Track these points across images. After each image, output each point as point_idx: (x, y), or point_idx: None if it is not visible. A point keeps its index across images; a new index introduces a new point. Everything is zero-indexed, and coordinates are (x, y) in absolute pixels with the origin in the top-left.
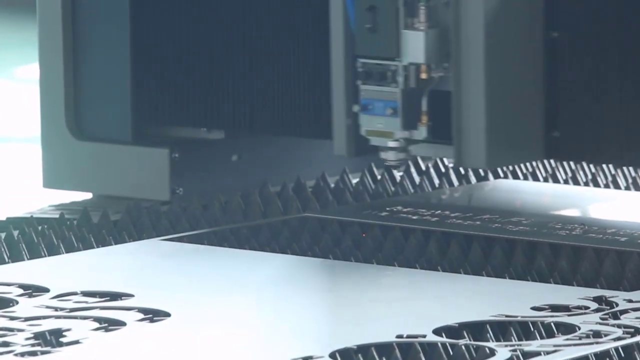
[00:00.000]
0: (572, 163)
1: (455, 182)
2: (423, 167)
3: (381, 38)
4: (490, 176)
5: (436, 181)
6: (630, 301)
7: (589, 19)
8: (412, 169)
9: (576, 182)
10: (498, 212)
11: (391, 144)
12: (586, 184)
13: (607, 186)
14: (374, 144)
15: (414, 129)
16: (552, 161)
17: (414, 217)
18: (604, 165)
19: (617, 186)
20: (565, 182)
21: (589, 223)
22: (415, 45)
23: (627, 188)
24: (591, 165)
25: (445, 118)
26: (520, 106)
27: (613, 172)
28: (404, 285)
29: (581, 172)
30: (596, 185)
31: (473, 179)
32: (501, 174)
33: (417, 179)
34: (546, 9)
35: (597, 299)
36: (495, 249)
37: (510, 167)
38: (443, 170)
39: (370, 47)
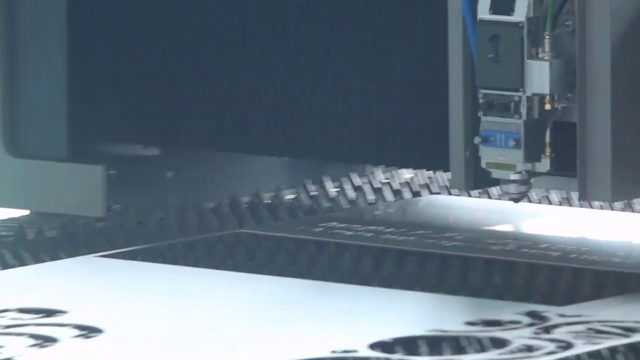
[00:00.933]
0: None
1: (390, 198)
2: (358, 183)
3: (504, 68)
4: (425, 192)
5: (370, 197)
6: (562, 316)
7: None
8: (347, 185)
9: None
10: (432, 227)
11: (513, 176)
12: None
13: (539, 202)
14: (495, 176)
15: (537, 161)
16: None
17: (349, 233)
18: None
19: (549, 201)
20: (499, 197)
21: (522, 238)
22: (540, 76)
23: (560, 203)
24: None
25: (568, 150)
26: None
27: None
28: (338, 300)
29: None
30: (529, 200)
31: (407, 195)
32: (434, 190)
33: (351, 194)
34: None
35: (529, 314)
36: (429, 265)
37: (444, 183)
38: (377, 186)
39: (492, 77)
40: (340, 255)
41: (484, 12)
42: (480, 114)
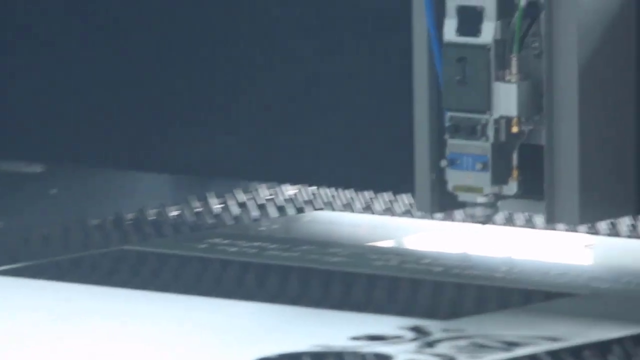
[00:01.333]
0: (388, 193)
1: (274, 214)
2: (241, 200)
3: (471, 90)
4: (309, 208)
5: (255, 213)
6: (445, 330)
7: None
8: (231, 202)
9: (393, 213)
10: (316, 243)
11: (480, 199)
12: (402, 215)
13: (422, 217)
14: (462, 199)
15: (504, 184)
16: (368, 193)
17: (233, 249)
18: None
19: (431, 217)
20: (382, 213)
21: (405, 254)
22: (507, 98)
23: (442, 219)
24: (407, 196)
25: (535, 173)
26: (613, 160)
27: None
28: (222, 316)
29: (400, 203)
30: (412, 216)
31: (291, 211)
32: (318, 207)
33: (236, 211)
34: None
35: (413, 329)
36: (313, 280)
37: (328, 199)
38: (261, 202)
39: (459, 99)
40: (225, 271)
41: (450, 34)
42: (446, 136)
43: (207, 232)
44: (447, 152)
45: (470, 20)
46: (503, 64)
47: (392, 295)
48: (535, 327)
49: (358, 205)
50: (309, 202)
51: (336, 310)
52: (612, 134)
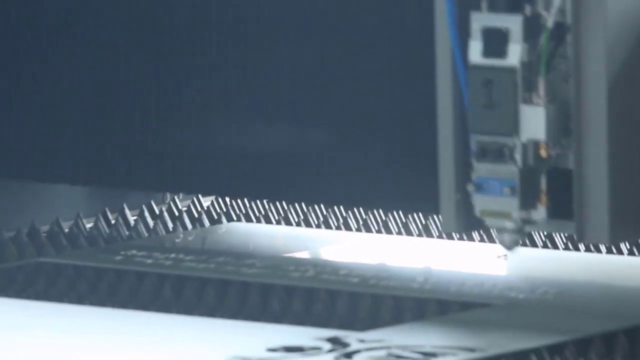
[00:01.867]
0: (303, 204)
1: (189, 226)
2: (157, 211)
3: (498, 114)
4: (224, 219)
5: (170, 225)
6: (362, 341)
7: None
8: (146, 214)
9: (308, 224)
10: (232, 255)
11: (508, 224)
12: (318, 226)
13: (338, 228)
14: (489, 224)
15: (532, 208)
16: (284, 203)
17: (149, 261)
18: (335, 207)
19: (348, 228)
20: (298, 224)
21: (322, 265)
22: (535, 121)
23: (358, 230)
24: (322, 207)
25: (563, 196)
26: None
27: (344, 214)
28: (138, 328)
29: (313, 215)
30: (328, 227)
31: (206, 223)
32: (234, 218)
33: (151, 222)
34: None
35: (330, 340)
36: (229, 292)
37: (244, 210)
38: (177, 214)
39: (486, 123)
40: (141, 283)
41: (475, 56)
42: (473, 160)
43: (123, 243)
44: (474, 176)
45: (496, 42)
46: (530, 87)
47: (309, 306)
48: (453, 338)
49: (271, 216)
50: (225, 214)
51: (253, 322)
52: None
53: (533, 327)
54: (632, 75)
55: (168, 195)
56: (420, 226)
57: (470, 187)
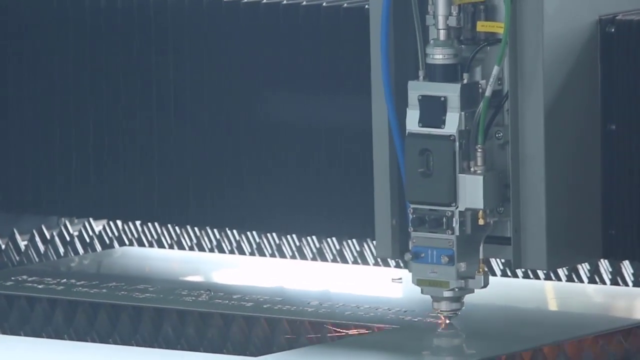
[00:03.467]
0: (196, 229)
1: (81, 250)
2: (48, 236)
3: (436, 182)
4: (116, 244)
5: (61, 250)
6: None
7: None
8: (37, 238)
9: (201, 249)
10: (125, 279)
11: (447, 293)
12: (211, 250)
13: (232, 252)
14: (426, 294)
15: (470, 277)
16: (176, 227)
17: (40, 287)
18: (228, 231)
19: (241, 252)
20: (191, 248)
21: (215, 289)
22: (473, 190)
23: (252, 253)
24: (215, 231)
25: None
26: (579, 206)
27: (238, 237)
28: (29, 354)
29: (206, 239)
30: (221, 251)
31: (98, 247)
32: (126, 242)
33: (42, 247)
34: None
35: None
36: (122, 317)
37: (136, 234)
38: (68, 238)
39: (423, 192)
40: (32, 309)
41: (412, 124)
42: (410, 229)
43: (14, 269)
44: (411, 245)
45: (433, 110)
46: (467, 155)
47: (202, 331)
48: None
49: (164, 240)
50: (117, 238)
51: (146, 347)
52: (577, 183)
53: (428, 349)
54: (569, 141)
55: (60, 220)
56: (314, 250)
57: (407, 256)
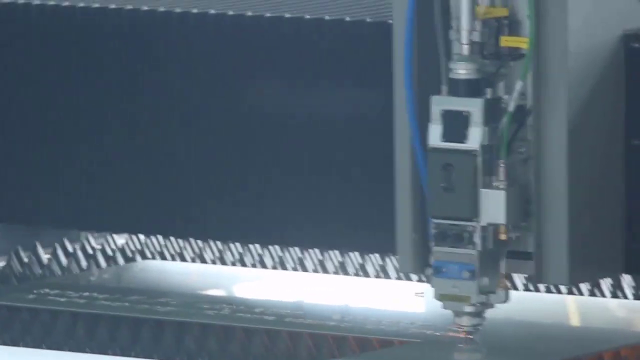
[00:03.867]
0: (218, 242)
1: (103, 264)
2: (70, 249)
3: (458, 197)
4: (138, 257)
5: (84, 263)
6: None
7: None
8: (59, 251)
9: (224, 262)
10: (146, 292)
11: (468, 309)
12: (233, 263)
13: (254, 265)
14: (447, 308)
15: (492, 292)
16: (199, 241)
17: (62, 300)
18: (250, 245)
19: (264, 265)
20: (213, 262)
21: (237, 303)
22: (495, 205)
23: (274, 267)
24: (238, 245)
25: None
26: (601, 221)
27: (260, 251)
28: None
29: (228, 252)
30: (243, 264)
31: (121, 260)
32: (148, 255)
33: (64, 260)
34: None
35: None
36: (143, 330)
37: (159, 248)
38: (90, 252)
39: (445, 207)
40: (54, 321)
41: (435, 139)
42: (431, 244)
43: (36, 282)
44: (432, 259)
45: (456, 125)
46: (490, 170)
47: (224, 345)
48: None
49: (186, 254)
50: (139, 251)
51: None
52: (600, 198)
53: None
54: (593, 158)
55: (82, 233)
56: (337, 264)
57: (428, 271)
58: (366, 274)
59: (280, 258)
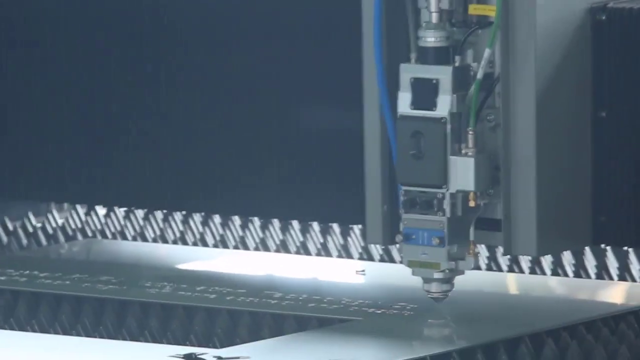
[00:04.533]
0: (160, 220)
1: (44, 242)
2: (10, 227)
3: (427, 165)
4: (80, 236)
5: (24, 241)
6: (219, 358)
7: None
8: (0, 230)
9: (165, 241)
10: (88, 271)
11: (437, 275)
12: (175, 242)
13: (195, 244)
14: (416, 275)
15: (461, 259)
16: (140, 219)
17: (2, 278)
18: (192, 222)
19: (205, 243)
20: (154, 240)
21: (179, 281)
22: (464, 172)
23: (215, 245)
24: (179, 223)
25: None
26: (569, 193)
27: (201, 229)
28: None
29: (169, 230)
30: (184, 243)
31: (62, 239)
32: (89, 233)
33: (4, 239)
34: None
35: (187, 357)
36: (85, 308)
37: (100, 226)
38: (31, 230)
39: (414, 174)
40: None
41: (404, 107)
42: (401, 211)
43: None
44: (402, 226)
45: (425, 93)
46: (459, 138)
47: (165, 323)
48: (312, 353)
49: (127, 233)
50: (80, 230)
51: (109, 339)
52: (567, 172)
53: (392, 341)
54: (560, 126)
55: (23, 210)
56: (279, 242)
57: (398, 238)
58: (307, 252)
59: (222, 236)
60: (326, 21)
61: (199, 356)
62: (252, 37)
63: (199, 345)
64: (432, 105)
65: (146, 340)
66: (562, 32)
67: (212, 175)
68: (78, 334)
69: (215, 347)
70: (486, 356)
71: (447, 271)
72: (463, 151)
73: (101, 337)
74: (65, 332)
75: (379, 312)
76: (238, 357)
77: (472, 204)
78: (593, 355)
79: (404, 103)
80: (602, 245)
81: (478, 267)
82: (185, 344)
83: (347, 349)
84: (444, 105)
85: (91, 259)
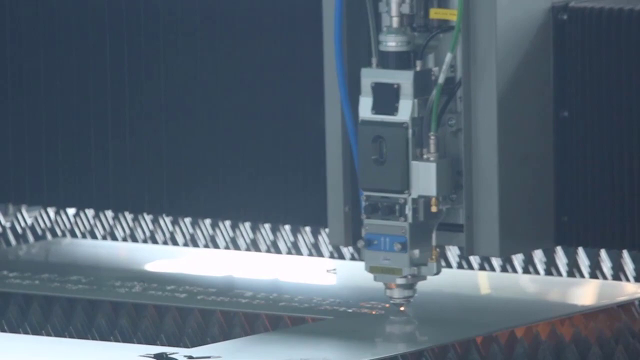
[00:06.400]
0: (129, 220)
1: (13, 242)
2: None
3: (389, 170)
4: (49, 235)
5: None
6: (190, 357)
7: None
8: None
9: (135, 240)
10: (57, 271)
11: (399, 281)
12: (145, 241)
13: (165, 242)
14: (379, 281)
15: (423, 264)
16: (109, 218)
17: None
18: (162, 222)
19: (175, 242)
20: (124, 239)
21: (149, 280)
22: (426, 177)
23: (185, 244)
24: (149, 222)
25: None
26: (531, 193)
27: (171, 228)
28: None
29: (139, 230)
30: (155, 242)
31: (31, 239)
32: (59, 233)
33: None
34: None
35: (157, 356)
36: (55, 308)
37: (69, 226)
38: (0, 230)
39: (376, 179)
40: None
41: (365, 112)
42: (363, 216)
43: None
44: (364, 232)
45: (386, 97)
46: (420, 143)
47: (136, 322)
48: (283, 352)
49: (97, 232)
50: (49, 229)
51: (79, 339)
52: (530, 172)
53: (362, 340)
54: (522, 128)
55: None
56: (249, 240)
57: (360, 243)
58: (278, 251)
59: (192, 235)
60: (290, 24)
61: (170, 356)
62: (218, 43)
63: (170, 345)
64: (393, 110)
65: (116, 340)
66: (524, 32)
67: (182, 180)
68: (48, 334)
69: (186, 346)
70: (458, 355)
71: (409, 277)
72: (425, 156)
73: (71, 337)
74: (35, 332)
75: (350, 311)
76: (209, 357)
77: (434, 209)
78: (564, 354)
79: (365, 108)
80: (561, 247)
81: (440, 271)
82: (156, 344)
83: (318, 348)
84: (405, 110)
85: (61, 258)
